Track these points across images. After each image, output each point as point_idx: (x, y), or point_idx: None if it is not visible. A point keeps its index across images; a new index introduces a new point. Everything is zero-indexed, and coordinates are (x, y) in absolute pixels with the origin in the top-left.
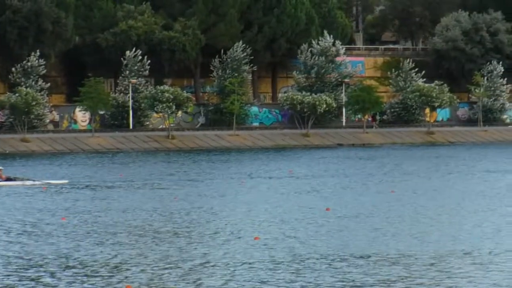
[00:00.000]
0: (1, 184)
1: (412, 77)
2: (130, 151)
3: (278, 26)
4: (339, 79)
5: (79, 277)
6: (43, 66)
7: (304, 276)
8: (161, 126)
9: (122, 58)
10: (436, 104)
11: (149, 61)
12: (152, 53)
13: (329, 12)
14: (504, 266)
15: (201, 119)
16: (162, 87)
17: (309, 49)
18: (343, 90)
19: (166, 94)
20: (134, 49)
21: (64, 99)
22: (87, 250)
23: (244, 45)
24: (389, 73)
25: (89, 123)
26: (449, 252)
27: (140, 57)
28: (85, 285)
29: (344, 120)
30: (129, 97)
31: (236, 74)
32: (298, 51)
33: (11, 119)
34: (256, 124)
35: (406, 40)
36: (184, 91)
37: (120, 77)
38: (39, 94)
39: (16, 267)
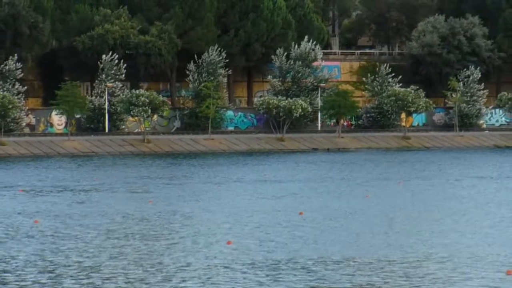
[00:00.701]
0: None
1: (389, 82)
2: (106, 154)
3: (253, 31)
4: (315, 84)
5: (52, 280)
6: (20, 70)
7: (277, 281)
8: (136, 130)
9: (98, 62)
10: (412, 109)
11: (125, 65)
12: (128, 57)
13: (305, 16)
14: (479, 270)
15: (177, 123)
16: (137, 91)
17: (285, 54)
18: (319, 95)
19: (142, 98)
20: (110, 53)
21: (41, 102)
22: (59, 253)
23: (219, 49)
24: (364, 78)
25: (65, 126)
26: (423, 256)
27: (116, 61)
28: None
29: (319, 124)
30: (105, 100)
31: (211, 78)
32: (274, 56)
33: None
34: (231, 128)
35: (383, 44)
36: (160, 95)
37: (97, 81)
38: (16, 97)
39: None
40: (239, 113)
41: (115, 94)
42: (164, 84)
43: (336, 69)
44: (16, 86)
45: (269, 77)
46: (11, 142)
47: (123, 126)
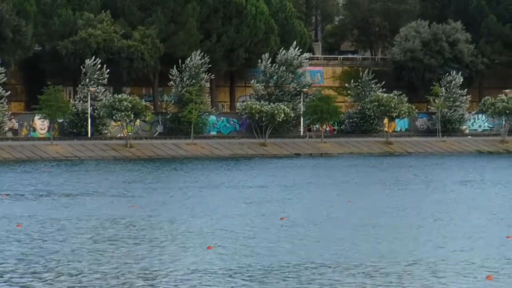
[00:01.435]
0: None
1: (371, 88)
2: (88, 159)
3: (237, 36)
4: (298, 89)
5: (32, 284)
6: (3, 74)
7: (257, 286)
8: (119, 135)
9: (81, 66)
10: (395, 114)
11: (108, 69)
12: (111, 61)
13: (287, 21)
14: (460, 276)
15: (159, 128)
16: (120, 96)
17: (269, 58)
18: (301, 100)
19: (125, 103)
20: (93, 57)
21: (23, 107)
22: (40, 257)
23: (202, 53)
24: (347, 84)
25: (48, 131)
26: (404, 261)
27: (99, 66)
28: None
29: (302, 129)
30: (88, 105)
31: (194, 82)
32: (259, 60)
33: None
34: (214, 133)
35: (365, 50)
36: (143, 100)
37: (79, 85)
38: None
39: None
40: (222, 118)
41: (98, 99)
42: (146, 89)
43: (319, 74)
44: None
45: (252, 81)
46: None
47: (106, 131)
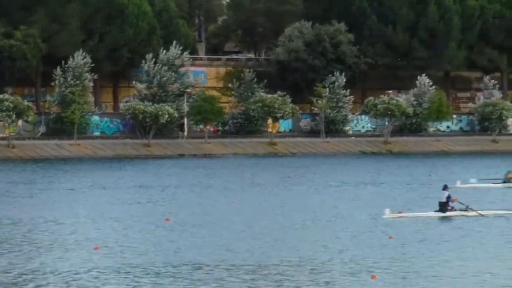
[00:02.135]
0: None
1: (254, 88)
2: None
3: (119, 36)
4: (181, 89)
5: None
6: None
7: (142, 286)
8: (1, 135)
9: None
10: (279, 115)
11: None
12: None
13: (171, 21)
14: (345, 275)
15: (42, 128)
16: (2, 96)
17: (153, 59)
18: (185, 100)
19: (6, 103)
20: None
21: None
22: None
23: (85, 53)
24: (230, 84)
25: None
26: (286, 262)
27: None
28: None
29: (186, 130)
30: None
31: (77, 83)
32: (143, 60)
33: None
34: (97, 133)
35: (249, 50)
36: (25, 100)
37: None
38: None
39: None
40: (105, 118)
41: None
42: (29, 89)
43: (203, 74)
44: None
45: (135, 82)
46: None
47: None
